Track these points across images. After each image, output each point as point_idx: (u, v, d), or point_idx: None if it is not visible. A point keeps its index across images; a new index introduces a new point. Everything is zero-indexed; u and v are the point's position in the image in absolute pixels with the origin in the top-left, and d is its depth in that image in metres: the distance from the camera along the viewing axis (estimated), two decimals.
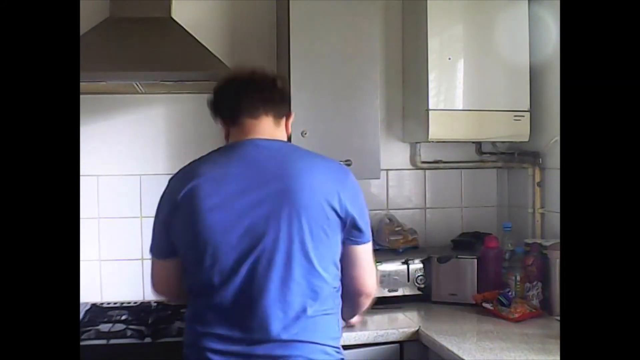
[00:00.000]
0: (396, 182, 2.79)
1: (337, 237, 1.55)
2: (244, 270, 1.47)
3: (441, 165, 2.79)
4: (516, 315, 2.17)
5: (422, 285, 2.45)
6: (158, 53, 2.24)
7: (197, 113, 2.63)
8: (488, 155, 2.79)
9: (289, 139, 2.31)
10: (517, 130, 2.54)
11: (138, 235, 2.58)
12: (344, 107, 2.37)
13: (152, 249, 1.63)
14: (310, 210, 1.49)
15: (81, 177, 2.43)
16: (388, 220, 2.61)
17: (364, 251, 1.62)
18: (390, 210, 2.73)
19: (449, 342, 1.95)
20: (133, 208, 2.58)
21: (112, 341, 2.04)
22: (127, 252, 2.58)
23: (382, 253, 2.49)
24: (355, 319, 1.85)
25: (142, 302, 2.52)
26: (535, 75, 2.55)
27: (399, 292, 2.44)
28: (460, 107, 2.50)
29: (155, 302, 2.51)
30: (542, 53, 2.51)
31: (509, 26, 2.52)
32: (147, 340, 2.05)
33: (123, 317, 2.29)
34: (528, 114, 2.54)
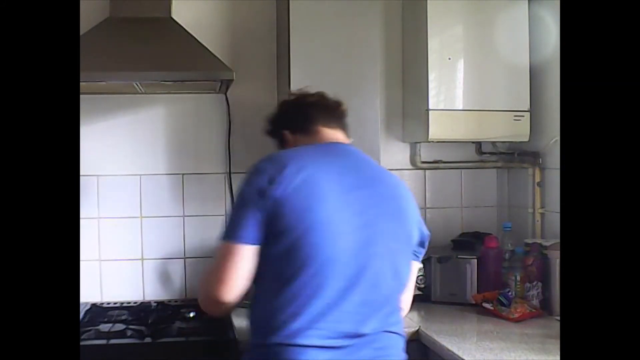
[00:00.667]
0: None
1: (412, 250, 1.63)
2: (357, 263, 1.46)
3: (441, 165, 2.79)
4: (516, 315, 2.17)
5: (422, 285, 2.45)
6: (158, 53, 2.23)
7: (197, 113, 2.63)
8: (488, 155, 2.79)
9: None
10: (517, 130, 2.54)
11: (138, 235, 2.58)
12: None
13: (239, 235, 1.43)
14: (405, 221, 1.57)
15: (81, 177, 2.43)
16: None
17: (416, 268, 1.70)
18: None
19: (449, 342, 1.95)
20: (133, 208, 2.58)
21: (112, 341, 2.04)
22: (127, 252, 2.58)
23: None
24: None
25: (142, 302, 2.52)
26: (535, 75, 2.55)
27: None
28: (460, 107, 2.50)
29: (155, 302, 2.51)
30: (542, 53, 2.51)
31: (509, 26, 2.52)
32: (147, 340, 2.05)
33: (123, 317, 2.29)
34: (528, 114, 2.54)
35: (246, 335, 1.70)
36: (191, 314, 2.28)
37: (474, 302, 2.34)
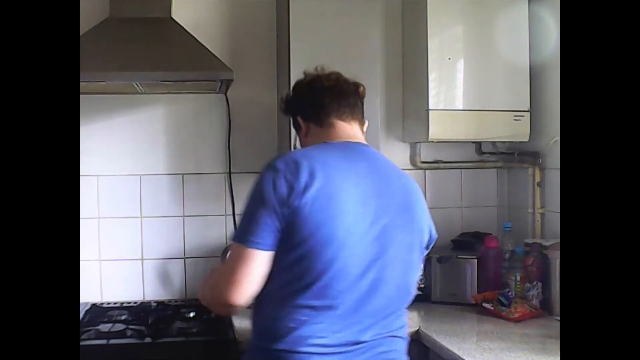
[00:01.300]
0: None
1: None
2: (370, 275, 1.45)
3: (441, 165, 2.79)
4: (516, 315, 2.17)
5: (422, 285, 2.45)
6: (158, 53, 2.23)
7: (197, 113, 2.64)
8: (488, 155, 2.79)
9: (290, 134, 2.33)
10: (517, 130, 2.54)
11: (138, 235, 2.58)
12: None
13: (256, 240, 1.40)
14: (419, 231, 1.56)
15: (81, 177, 2.43)
16: None
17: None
18: None
19: (449, 342, 1.95)
20: (133, 208, 2.58)
21: (112, 341, 2.04)
22: (127, 252, 2.58)
23: None
24: None
25: (142, 302, 2.52)
26: (535, 75, 2.55)
27: None
28: (460, 107, 2.50)
29: (155, 302, 2.51)
30: (542, 53, 2.51)
31: (509, 26, 2.51)
32: (147, 340, 2.05)
33: (123, 317, 2.29)
34: (528, 114, 2.54)
35: (246, 335, 1.70)
36: (191, 314, 2.28)
37: (474, 302, 2.34)
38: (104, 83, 2.24)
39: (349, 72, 2.36)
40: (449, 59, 2.48)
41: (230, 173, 2.61)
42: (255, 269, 1.41)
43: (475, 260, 2.42)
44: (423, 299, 2.44)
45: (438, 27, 2.47)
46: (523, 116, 2.53)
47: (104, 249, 2.58)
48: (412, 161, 2.78)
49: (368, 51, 2.39)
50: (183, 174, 2.62)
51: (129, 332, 2.10)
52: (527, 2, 2.54)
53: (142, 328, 2.14)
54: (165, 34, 2.32)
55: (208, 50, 2.26)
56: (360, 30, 2.38)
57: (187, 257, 2.62)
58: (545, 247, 2.30)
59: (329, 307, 1.42)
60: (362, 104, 1.67)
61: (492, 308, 2.24)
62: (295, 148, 2.33)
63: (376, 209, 1.46)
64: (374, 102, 2.40)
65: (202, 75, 2.23)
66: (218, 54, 2.31)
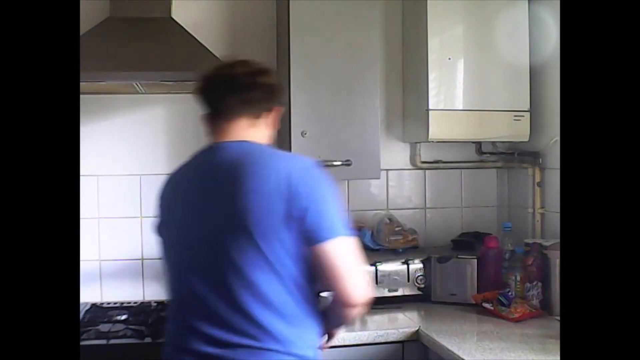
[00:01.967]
0: (396, 182, 2.79)
1: (292, 236, 1.43)
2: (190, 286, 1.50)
3: (441, 165, 2.79)
4: (516, 315, 2.17)
5: (422, 285, 2.45)
6: (158, 53, 2.23)
7: (197, 113, 2.61)
8: (488, 155, 2.79)
9: (289, 134, 2.30)
10: (517, 130, 2.54)
11: (138, 235, 2.58)
12: (344, 107, 2.37)
13: None
14: (261, 217, 1.40)
15: (81, 177, 2.43)
16: (388, 220, 2.61)
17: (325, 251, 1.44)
18: (390, 210, 2.73)
19: (449, 342, 1.95)
20: (133, 208, 2.58)
21: (112, 341, 2.04)
22: (127, 252, 2.58)
23: (382, 253, 2.49)
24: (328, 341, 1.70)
25: (142, 302, 2.52)
26: (535, 75, 2.55)
27: (399, 292, 2.44)
28: (460, 107, 2.50)
29: (155, 302, 2.51)
30: (542, 53, 2.51)
31: (509, 26, 2.52)
32: (147, 340, 2.05)
33: (123, 317, 2.28)
34: (528, 114, 2.54)
35: None
36: None
37: (474, 302, 2.34)
38: (104, 83, 2.24)
39: (349, 72, 2.39)
40: (449, 59, 2.48)
41: None
42: None
43: (475, 260, 2.42)
44: (423, 299, 2.45)
45: (438, 27, 2.48)
46: (523, 116, 2.53)
47: (104, 249, 2.58)
48: (412, 161, 2.78)
49: (368, 51, 2.39)
50: None
51: (129, 332, 2.10)
52: (527, 2, 2.54)
53: (142, 328, 2.14)
54: (165, 34, 2.32)
55: (208, 50, 2.26)
56: (360, 30, 2.38)
57: None
58: (545, 247, 2.30)
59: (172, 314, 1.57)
60: (266, 93, 1.57)
61: (492, 308, 2.24)
62: (291, 148, 2.33)
63: (201, 213, 1.48)
64: (374, 102, 2.40)
65: None
66: (218, 54, 2.31)
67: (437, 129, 2.47)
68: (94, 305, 2.47)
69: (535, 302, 2.27)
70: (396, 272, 2.44)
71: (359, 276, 1.48)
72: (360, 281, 1.48)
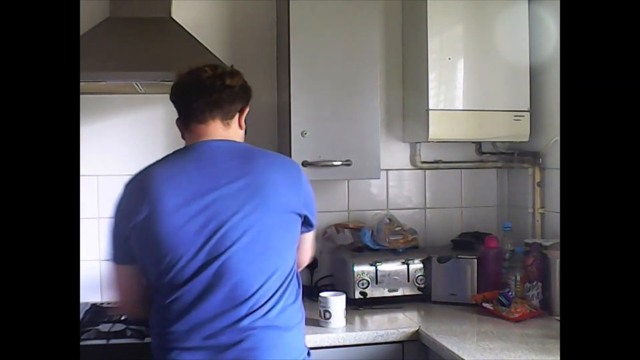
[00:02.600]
0: (396, 182, 2.79)
1: (297, 231, 1.63)
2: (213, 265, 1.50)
3: (441, 165, 2.79)
4: (516, 315, 2.17)
5: (422, 285, 2.45)
6: (158, 53, 2.23)
7: None
8: (488, 155, 2.79)
9: (289, 134, 2.31)
10: (517, 130, 2.54)
11: None
12: (344, 107, 2.37)
13: (113, 257, 1.65)
14: (275, 204, 1.54)
15: (81, 177, 2.43)
16: (388, 220, 2.61)
17: (309, 237, 1.75)
18: (390, 210, 2.72)
19: (449, 342, 1.95)
20: None
21: (112, 341, 2.04)
22: None
23: (382, 253, 2.49)
24: None
25: None
26: (535, 75, 2.55)
27: (399, 292, 2.44)
28: (460, 107, 2.50)
29: None
30: (542, 53, 2.51)
31: (509, 26, 2.52)
32: (147, 340, 2.04)
33: (123, 317, 2.28)
34: (528, 114, 2.54)
35: None
36: None
37: (474, 302, 2.34)
38: (104, 83, 2.24)
39: (349, 72, 2.39)
40: (449, 59, 2.48)
41: None
42: (124, 280, 1.70)
43: (475, 260, 2.42)
44: (423, 299, 2.45)
45: (438, 27, 2.48)
46: (523, 116, 2.53)
47: (104, 249, 2.57)
48: (412, 161, 2.78)
49: (368, 51, 2.39)
50: None
51: (129, 332, 2.10)
52: (527, 2, 2.54)
53: (142, 328, 2.13)
54: (165, 34, 2.32)
55: (208, 50, 2.26)
56: (360, 30, 2.38)
57: None
58: (545, 247, 2.30)
59: (178, 303, 1.51)
60: (234, 95, 1.62)
61: (492, 308, 2.24)
62: (291, 148, 2.33)
63: (211, 201, 1.50)
64: (374, 102, 2.40)
65: None
66: (218, 54, 2.31)
67: (437, 129, 2.47)
68: (94, 305, 2.46)
69: (535, 302, 2.27)
70: (396, 272, 2.44)
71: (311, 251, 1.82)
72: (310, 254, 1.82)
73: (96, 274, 2.56)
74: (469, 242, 2.62)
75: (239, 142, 1.65)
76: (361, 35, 2.38)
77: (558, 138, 2.40)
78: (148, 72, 2.19)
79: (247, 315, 1.48)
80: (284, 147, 2.40)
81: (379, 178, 2.51)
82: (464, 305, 2.37)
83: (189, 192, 1.51)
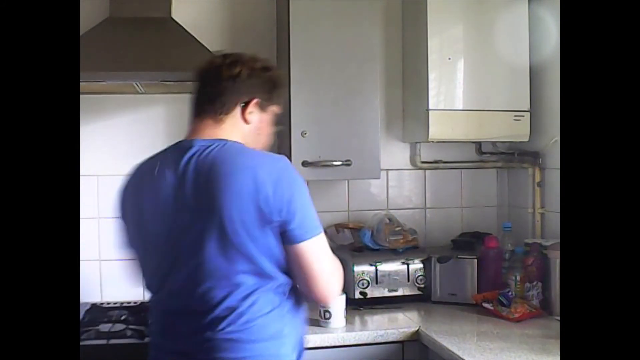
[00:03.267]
0: (396, 182, 2.79)
1: (269, 237, 1.42)
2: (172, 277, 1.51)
3: (441, 165, 2.79)
4: (516, 315, 2.17)
5: (422, 285, 2.45)
6: (158, 53, 2.23)
7: None
8: (488, 155, 2.79)
9: (289, 134, 2.28)
10: (517, 130, 2.54)
11: None
12: (344, 107, 2.37)
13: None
14: (235, 214, 1.38)
15: (81, 177, 2.43)
16: (388, 220, 2.61)
17: (306, 250, 1.45)
18: (390, 210, 2.72)
19: (449, 342, 1.95)
20: None
21: (112, 341, 2.04)
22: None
23: (382, 253, 2.49)
24: None
25: (142, 302, 2.51)
26: (535, 75, 2.55)
27: (399, 292, 2.44)
28: (460, 107, 2.50)
29: None
30: (542, 53, 2.51)
31: (509, 26, 2.52)
32: (147, 340, 2.05)
33: (123, 317, 2.28)
34: (528, 114, 2.54)
35: None
36: None
37: (474, 302, 2.34)
38: (104, 83, 2.24)
39: (349, 72, 2.39)
40: (449, 59, 2.48)
41: None
42: None
43: (475, 260, 2.42)
44: (423, 299, 2.45)
45: (438, 27, 2.48)
46: (523, 116, 2.53)
47: (104, 249, 2.58)
48: (412, 161, 2.78)
49: (368, 51, 2.39)
50: None
51: (129, 332, 2.10)
52: (527, 2, 2.54)
53: (142, 328, 2.14)
54: (165, 34, 2.32)
55: (208, 50, 2.26)
56: (360, 30, 2.38)
57: None
58: (545, 247, 2.30)
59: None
60: (238, 85, 1.52)
61: (492, 308, 2.24)
62: (291, 148, 2.33)
63: (168, 210, 1.47)
64: (374, 102, 2.40)
65: None
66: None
67: (437, 129, 2.47)
68: (94, 305, 2.47)
69: (535, 302, 2.27)
70: (396, 272, 2.44)
71: (331, 276, 1.52)
72: (331, 281, 1.51)
73: (96, 274, 2.57)
74: (469, 242, 2.62)
75: (223, 143, 1.49)
76: (361, 35, 2.38)
77: (558, 138, 2.40)
78: (148, 72, 2.19)
79: (209, 326, 1.43)
80: (284, 147, 2.40)
81: (379, 178, 2.51)
82: (464, 305, 2.37)
83: (149, 204, 1.53)
